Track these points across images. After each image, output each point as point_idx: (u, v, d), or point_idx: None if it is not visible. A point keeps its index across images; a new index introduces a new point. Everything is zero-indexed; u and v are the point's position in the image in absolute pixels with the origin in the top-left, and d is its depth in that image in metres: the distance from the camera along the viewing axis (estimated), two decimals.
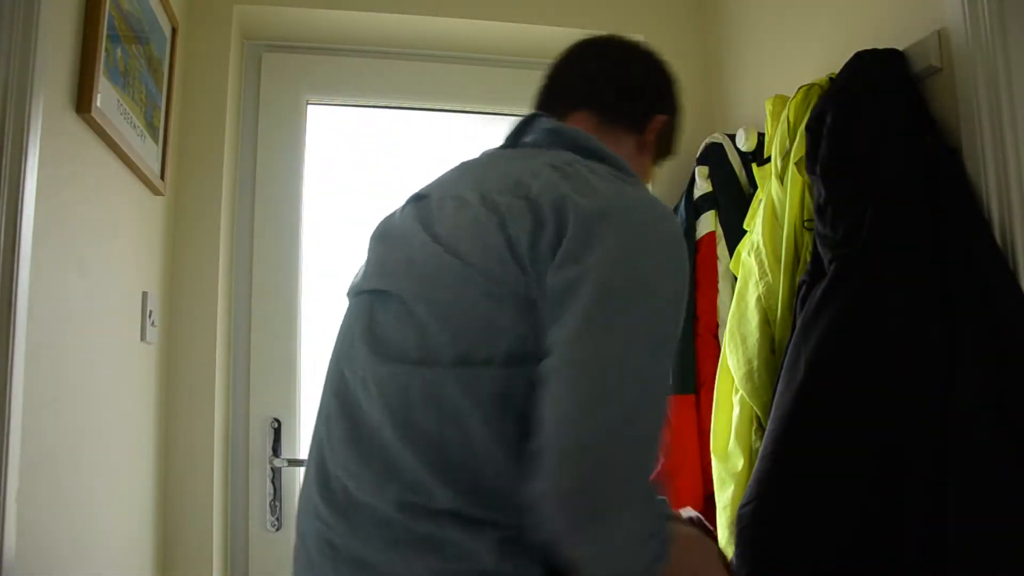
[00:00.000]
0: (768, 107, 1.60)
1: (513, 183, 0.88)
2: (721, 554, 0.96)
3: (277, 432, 2.09)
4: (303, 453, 2.07)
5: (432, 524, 0.80)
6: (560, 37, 2.32)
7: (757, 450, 1.44)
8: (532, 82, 2.51)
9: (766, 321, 1.49)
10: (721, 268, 1.76)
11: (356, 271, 1.06)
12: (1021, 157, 1.20)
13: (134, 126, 1.61)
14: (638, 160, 1.10)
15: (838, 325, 1.24)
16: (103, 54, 1.40)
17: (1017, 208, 1.19)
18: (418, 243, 0.90)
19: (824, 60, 1.55)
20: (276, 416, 2.10)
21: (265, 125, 2.22)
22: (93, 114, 1.36)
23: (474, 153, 1.07)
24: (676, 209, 1.93)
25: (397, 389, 0.85)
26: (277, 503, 2.05)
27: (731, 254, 1.72)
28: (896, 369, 1.17)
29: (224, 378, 2.04)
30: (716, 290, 1.77)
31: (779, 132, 1.52)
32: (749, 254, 1.56)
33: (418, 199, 1.00)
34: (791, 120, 1.50)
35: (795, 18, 1.84)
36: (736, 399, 1.52)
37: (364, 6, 2.15)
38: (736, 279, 1.63)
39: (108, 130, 1.44)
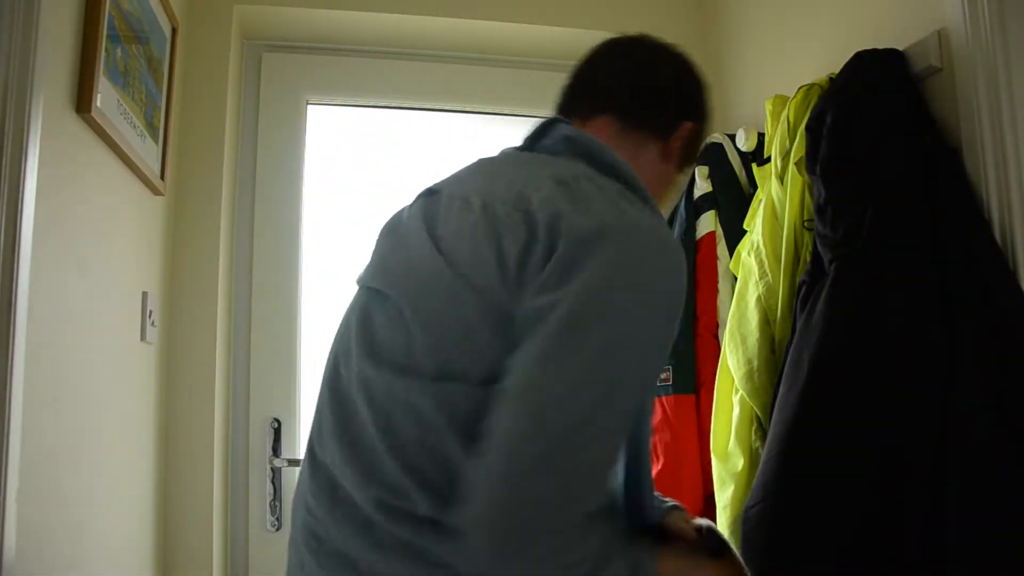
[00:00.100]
0: (768, 107, 1.60)
1: (516, 194, 0.85)
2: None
3: (277, 432, 2.09)
4: (303, 453, 2.07)
5: (412, 530, 0.80)
6: (560, 37, 2.33)
7: (757, 450, 1.44)
8: (532, 82, 2.51)
9: (766, 321, 1.49)
10: (721, 268, 1.76)
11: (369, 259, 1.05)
12: (1021, 157, 1.20)
13: (134, 126, 1.61)
14: (660, 168, 1.05)
15: (839, 325, 1.24)
16: (103, 54, 1.40)
17: (1017, 208, 1.19)
18: (418, 244, 0.89)
19: (824, 60, 1.55)
20: (276, 416, 2.10)
21: (265, 125, 2.22)
22: (93, 114, 1.36)
23: (480, 152, 1.04)
24: (676, 209, 1.93)
25: (382, 393, 0.85)
26: (277, 503, 2.05)
27: (731, 254, 1.72)
28: (896, 369, 1.17)
29: (224, 378, 2.04)
30: (716, 290, 1.77)
31: (779, 132, 1.52)
32: (749, 254, 1.56)
33: (430, 194, 0.97)
34: (791, 120, 1.50)
35: (795, 18, 1.84)
36: (736, 399, 1.52)
37: (364, 6, 2.15)
38: (736, 279, 1.63)
39: (108, 130, 1.44)
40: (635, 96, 1.05)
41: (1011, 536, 1.07)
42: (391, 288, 0.89)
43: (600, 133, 1.01)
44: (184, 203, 1.99)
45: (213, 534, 1.90)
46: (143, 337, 1.73)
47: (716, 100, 2.14)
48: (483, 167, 0.99)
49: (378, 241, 1.01)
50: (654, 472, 1.51)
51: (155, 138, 1.76)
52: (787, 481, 1.23)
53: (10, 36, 1.11)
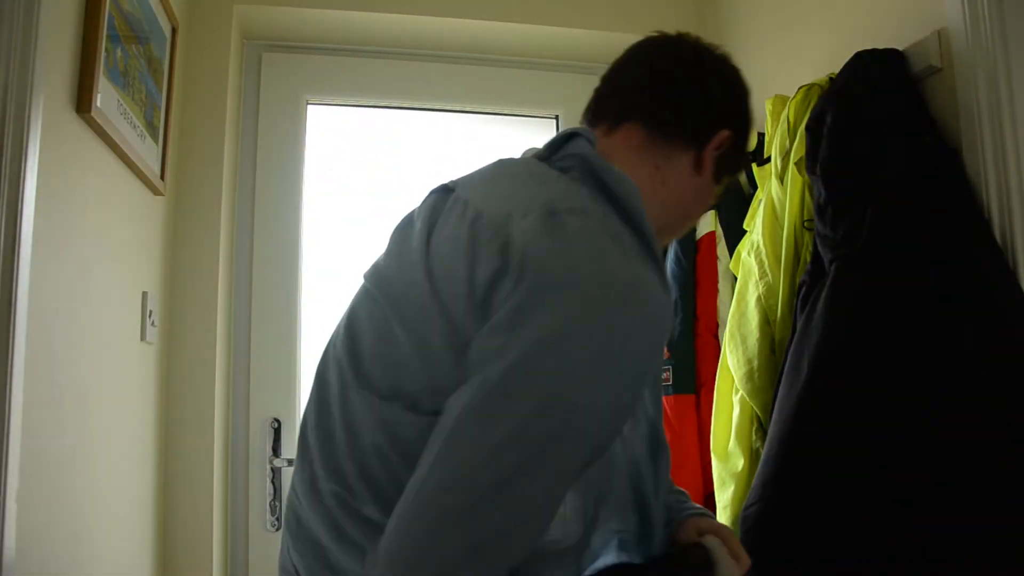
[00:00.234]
0: (768, 107, 1.60)
1: (503, 215, 0.79)
2: None
3: (277, 432, 2.09)
4: None
5: (361, 533, 0.80)
6: (560, 37, 2.33)
7: (757, 450, 1.44)
8: (532, 82, 2.51)
9: (766, 321, 1.49)
10: (721, 268, 1.76)
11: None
12: (1021, 157, 1.20)
13: (134, 126, 1.61)
14: (692, 181, 0.96)
15: (839, 325, 1.24)
16: (103, 54, 1.40)
17: (1017, 208, 1.19)
18: (414, 245, 0.86)
19: (824, 60, 1.55)
20: (276, 416, 2.10)
21: (265, 125, 2.22)
22: (93, 114, 1.36)
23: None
24: None
25: (351, 392, 0.84)
26: (277, 503, 2.05)
27: (731, 254, 1.72)
28: (896, 369, 1.17)
29: (224, 378, 2.04)
30: (716, 290, 1.77)
31: (779, 132, 1.52)
32: (749, 254, 1.56)
33: (444, 191, 0.92)
34: (791, 120, 1.50)
35: (795, 18, 1.84)
36: (736, 399, 1.52)
37: (364, 6, 2.15)
38: (736, 279, 1.63)
39: (108, 130, 1.44)
40: (664, 102, 0.96)
41: (1011, 536, 1.07)
42: (377, 287, 0.88)
43: (626, 143, 0.95)
44: (184, 203, 1.99)
45: (213, 534, 1.90)
46: (143, 337, 1.73)
47: None
48: (496, 172, 0.93)
49: (390, 236, 0.98)
50: None
51: (155, 138, 1.76)
52: (786, 481, 1.23)
53: (10, 36, 1.11)
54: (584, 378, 0.70)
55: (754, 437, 1.48)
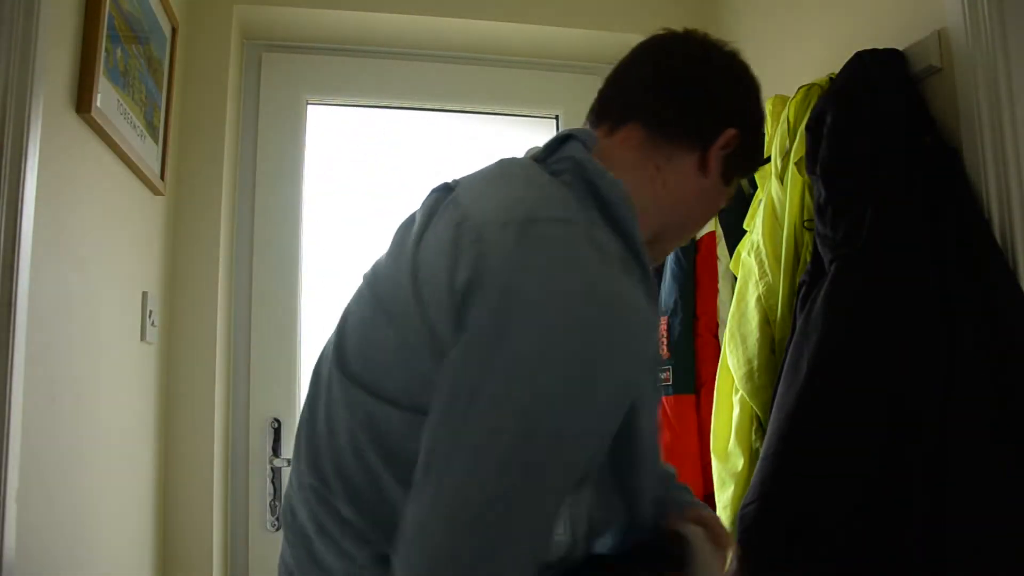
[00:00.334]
0: (768, 107, 1.60)
1: (486, 222, 0.76)
2: None
3: (277, 432, 2.09)
4: None
5: (339, 528, 0.80)
6: (560, 37, 2.33)
7: (757, 450, 1.44)
8: (532, 82, 2.51)
9: (766, 321, 1.49)
10: (721, 268, 1.76)
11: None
12: (1021, 157, 1.20)
13: (134, 126, 1.61)
14: (697, 183, 0.93)
15: (838, 325, 1.24)
16: (103, 54, 1.40)
17: (1017, 208, 1.19)
18: (407, 246, 0.84)
19: (824, 60, 1.55)
20: (276, 416, 2.10)
21: (265, 125, 2.22)
22: (93, 114, 1.36)
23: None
24: None
25: (335, 386, 0.84)
26: (277, 503, 2.05)
27: (731, 254, 1.72)
28: (896, 369, 1.17)
29: (224, 378, 2.04)
30: (716, 290, 1.77)
31: (779, 132, 1.52)
32: (749, 254, 1.56)
33: (445, 190, 0.90)
34: (791, 120, 1.50)
35: (795, 18, 1.84)
36: (736, 399, 1.52)
37: (364, 6, 2.15)
38: (736, 279, 1.63)
39: (108, 130, 1.44)
40: (667, 102, 0.93)
41: (1011, 536, 1.07)
42: (369, 285, 0.88)
43: (625, 144, 0.92)
44: (184, 203, 1.99)
45: (213, 534, 1.90)
46: (143, 337, 1.73)
47: None
48: (493, 173, 0.91)
49: (393, 234, 0.97)
50: None
51: (155, 138, 1.76)
52: (784, 480, 1.23)
53: (10, 36, 1.11)
54: (561, 404, 0.68)
55: (754, 437, 1.48)
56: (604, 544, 0.88)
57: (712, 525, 0.93)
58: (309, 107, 2.27)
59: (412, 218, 0.91)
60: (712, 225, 1.81)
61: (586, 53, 2.29)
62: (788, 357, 1.32)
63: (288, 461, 2.06)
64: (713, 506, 1.55)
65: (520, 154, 0.99)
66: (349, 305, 0.90)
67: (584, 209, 0.80)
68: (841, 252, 1.27)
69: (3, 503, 1.04)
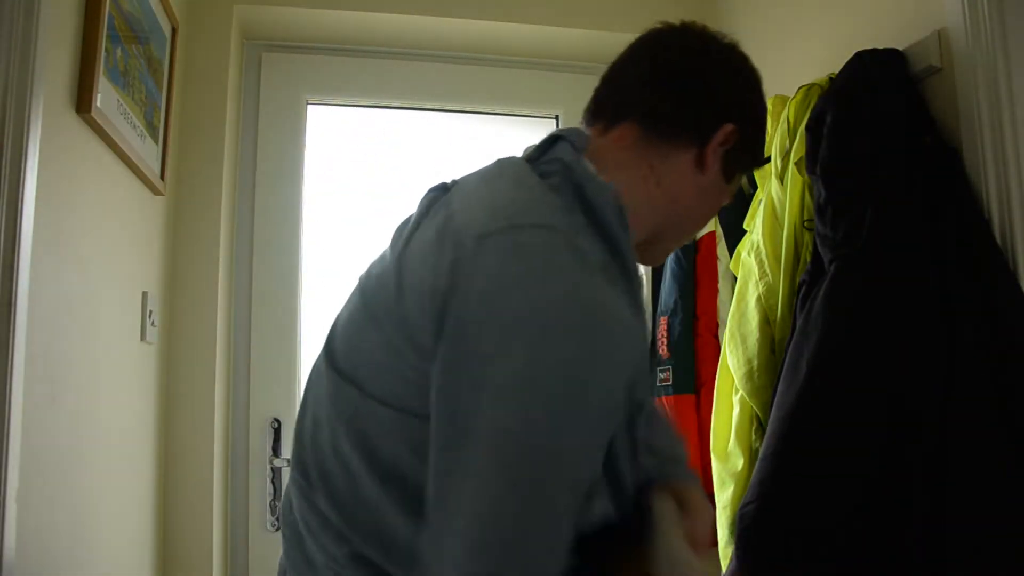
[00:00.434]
0: (768, 107, 1.60)
1: (468, 228, 0.75)
2: None
3: (277, 432, 2.09)
4: None
5: (319, 524, 0.81)
6: (560, 37, 2.33)
7: (757, 450, 1.44)
8: (532, 82, 2.51)
9: (766, 321, 1.49)
10: (721, 268, 1.76)
11: None
12: (1021, 157, 1.20)
13: (134, 126, 1.61)
14: (695, 181, 0.91)
15: (838, 325, 1.24)
16: (103, 54, 1.40)
17: (1017, 208, 1.19)
18: (398, 247, 0.84)
19: (824, 60, 1.55)
20: (276, 416, 2.10)
21: (265, 125, 2.22)
22: (93, 114, 1.36)
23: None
24: None
25: (323, 382, 0.85)
26: (277, 503, 2.05)
27: (731, 254, 1.72)
28: (896, 369, 1.17)
29: (224, 378, 2.04)
30: (716, 290, 1.77)
31: (779, 132, 1.52)
32: (749, 254, 1.56)
33: (442, 190, 0.90)
34: (791, 120, 1.50)
35: (795, 18, 1.84)
36: (736, 399, 1.53)
37: (364, 6, 2.15)
38: (736, 279, 1.63)
39: (108, 130, 1.44)
40: (662, 98, 0.90)
41: (1011, 536, 1.07)
42: (360, 285, 0.88)
43: (619, 143, 0.90)
44: (184, 203, 1.99)
45: (213, 534, 1.90)
46: (143, 337, 1.73)
47: None
48: (488, 173, 0.89)
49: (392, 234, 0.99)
50: None
51: (155, 138, 1.76)
52: (784, 479, 1.23)
53: (10, 36, 1.11)
54: (552, 423, 0.68)
55: (753, 437, 1.48)
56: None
57: (687, 500, 0.88)
58: (309, 107, 2.27)
59: (409, 219, 0.91)
60: (712, 225, 1.81)
61: (586, 53, 2.29)
62: (788, 357, 1.32)
63: (288, 461, 2.06)
64: (713, 506, 1.55)
65: (519, 154, 0.99)
66: (344, 304, 0.91)
67: (569, 214, 0.78)
68: (841, 252, 1.27)
69: (3, 503, 1.04)
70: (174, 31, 1.86)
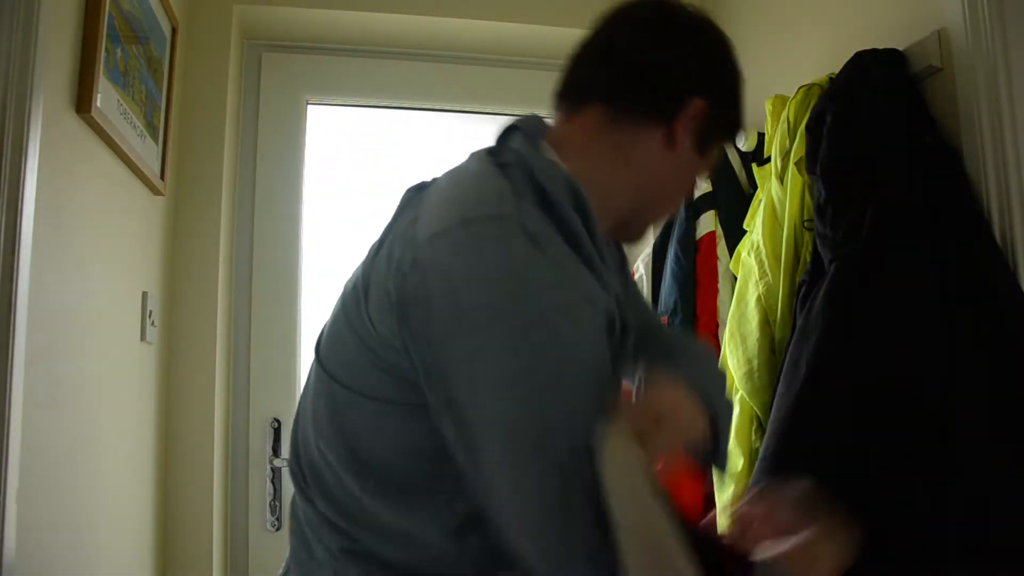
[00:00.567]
0: (768, 107, 1.60)
1: (427, 227, 0.76)
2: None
3: (277, 432, 2.09)
4: None
5: (315, 518, 0.83)
6: (561, 37, 2.32)
7: (757, 450, 1.44)
8: (532, 82, 2.51)
9: (766, 321, 1.49)
10: (721, 268, 1.76)
11: None
12: (1021, 157, 1.20)
13: (134, 126, 1.61)
14: (664, 159, 0.89)
15: (838, 325, 1.24)
16: (103, 54, 1.40)
17: (1017, 208, 1.19)
18: (374, 248, 0.86)
19: (824, 60, 1.55)
20: (276, 416, 2.10)
21: (265, 125, 2.22)
22: (93, 114, 1.36)
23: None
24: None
25: (312, 381, 0.88)
26: (277, 503, 2.05)
27: (731, 254, 1.72)
28: (896, 369, 1.17)
29: (224, 378, 2.04)
30: (716, 290, 1.77)
31: (779, 132, 1.52)
32: (749, 254, 1.56)
33: (419, 189, 0.90)
34: (791, 120, 1.50)
35: (795, 18, 1.84)
36: (736, 399, 1.52)
37: (364, 6, 2.15)
38: (736, 279, 1.63)
39: (108, 130, 1.44)
40: (624, 76, 0.88)
41: (1011, 536, 1.07)
42: (346, 284, 0.89)
43: (583, 127, 0.89)
44: (184, 203, 1.99)
45: (213, 534, 1.90)
46: (143, 337, 1.73)
47: None
48: (457, 169, 0.89)
49: None
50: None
51: (155, 138, 1.76)
52: (783, 480, 1.22)
53: (10, 36, 1.11)
54: (546, 404, 0.69)
55: (754, 437, 1.48)
56: None
57: (651, 409, 0.77)
58: (309, 107, 2.27)
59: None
60: (712, 225, 1.81)
61: None
62: (788, 357, 1.32)
63: (288, 461, 2.06)
64: (714, 506, 1.55)
65: None
66: (342, 292, 0.93)
67: (520, 199, 0.77)
68: (841, 252, 1.27)
69: (3, 503, 1.04)
70: (174, 31, 1.86)
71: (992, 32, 1.22)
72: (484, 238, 0.72)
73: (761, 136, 1.72)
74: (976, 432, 1.11)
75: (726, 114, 0.93)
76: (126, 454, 1.65)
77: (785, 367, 1.31)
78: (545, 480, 0.69)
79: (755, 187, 1.70)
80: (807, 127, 1.40)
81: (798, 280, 1.40)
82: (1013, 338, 1.13)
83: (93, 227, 1.46)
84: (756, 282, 1.51)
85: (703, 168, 0.94)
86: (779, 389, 1.31)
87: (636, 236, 0.97)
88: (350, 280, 0.87)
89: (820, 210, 1.33)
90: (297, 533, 0.88)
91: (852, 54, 1.37)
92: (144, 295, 1.74)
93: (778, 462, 1.24)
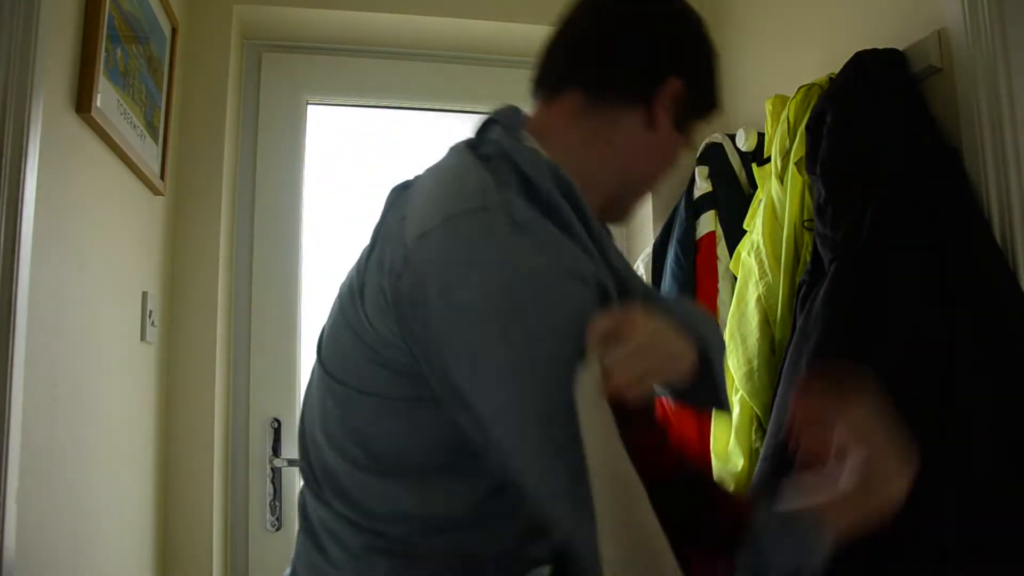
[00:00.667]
0: (768, 107, 1.60)
1: (415, 226, 0.77)
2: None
3: (277, 432, 2.09)
4: None
5: (332, 520, 0.84)
6: None
7: (757, 450, 1.44)
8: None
9: (766, 321, 1.49)
10: (721, 268, 1.76)
11: None
12: (1021, 157, 1.20)
13: (134, 126, 1.61)
14: (645, 139, 0.89)
15: (838, 325, 1.24)
16: (103, 54, 1.40)
17: (1017, 208, 1.19)
18: (366, 248, 0.88)
19: (824, 60, 1.55)
20: (276, 416, 2.10)
21: (265, 125, 2.22)
22: (93, 114, 1.36)
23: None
24: (676, 209, 1.93)
25: (314, 379, 0.90)
26: (277, 503, 2.05)
27: (731, 254, 1.72)
28: (896, 369, 1.17)
29: (224, 378, 2.04)
30: (716, 290, 1.77)
31: (779, 132, 1.52)
32: (749, 254, 1.56)
33: (403, 188, 0.92)
34: (791, 120, 1.50)
35: (795, 18, 1.84)
36: (736, 399, 1.52)
37: (364, 6, 2.15)
38: (736, 279, 1.63)
39: (108, 130, 1.44)
40: (600, 62, 0.89)
41: (1011, 536, 1.07)
42: (342, 283, 0.91)
43: (561, 113, 0.89)
44: (184, 203, 1.99)
45: (213, 534, 1.90)
46: (143, 337, 1.73)
47: None
48: (436, 168, 0.91)
49: None
50: None
51: (155, 138, 1.76)
52: (783, 480, 1.22)
53: (10, 36, 1.11)
54: (545, 383, 0.70)
55: (754, 437, 1.48)
56: None
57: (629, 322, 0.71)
58: (309, 107, 2.27)
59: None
60: (712, 225, 1.81)
61: None
62: (788, 357, 1.32)
63: (288, 461, 2.07)
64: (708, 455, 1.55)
65: None
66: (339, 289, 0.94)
67: (504, 189, 0.77)
68: (841, 252, 1.27)
69: (3, 503, 1.04)
70: (174, 31, 1.86)
71: (992, 32, 1.23)
72: (471, 233, 0.73)
73: (761, 136, 1.72)
74: (976, 432, 1.11)
75: (703, 92, 0.93)
76: (126, 454, 1.65)
77: (786, 367, 1.31)
78: (560, 458, 0.69)
79: (755, 187, 1.70)
80: (807, 127, 1.40)
81: (798, 280, 1.40)
82: (1013, 338, 1.13)
83: (93, 227, 1.46)
84: (756, 282, 1.51)
85: (683, 145, 0.95)
86: (779, 390, 1.31)
87: (621, 216, 0.97)
88: (345, 282, 0.88)
89: (820, 210, 1.33)
90: (309, 535, 0.88)
91: (852, 54, 1.37)
92: (144, 295, 1.74)
93: (779, 462, 1.24)
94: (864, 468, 0.78)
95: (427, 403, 0.76)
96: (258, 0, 2.10)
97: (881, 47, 1.37)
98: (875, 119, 1.29)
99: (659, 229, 1.98)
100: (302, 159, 2.23)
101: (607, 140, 0.89)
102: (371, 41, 2.29)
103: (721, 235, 1.78)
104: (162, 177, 1.80)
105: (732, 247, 1.72)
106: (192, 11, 2.03)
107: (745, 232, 1.66)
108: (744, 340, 1.51)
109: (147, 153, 1.70)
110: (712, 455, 1.58)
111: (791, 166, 1.47)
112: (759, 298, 1.50)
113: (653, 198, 2.13)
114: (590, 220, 0.82)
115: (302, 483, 0.92)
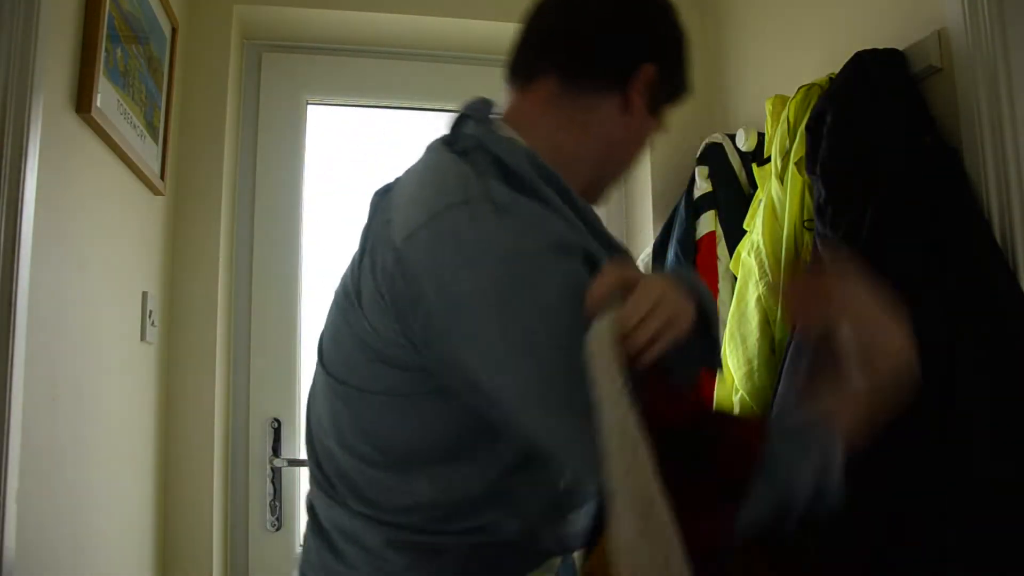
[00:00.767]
0: (768, 107, 1.60)
1: (401, 227, 0.78)
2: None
3: (277, 432, 2.09)
4: (303, 453, 2.07)
5: (350, 520, 0.85)
6: None
7: None
8: None
9: (766, 321, 1.49)
10: (721, 268, 1.76)
11: None
12: (1021, 157, 1.20)
13: (134, 126, 1.61)
14: (622, 123, 0.90)
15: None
16: (103, 54, 1.40)
17: (1017, 208, 1.19)
18: (357, 252, 0.89)
19: (824, 60, 1.55)
20: (276, 416, 2.10)
21: (265, 125, 2.22)
22: (93, 114, 1.36)
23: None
24: (676, 209, 1.93)
25: (318, 379, 0.91)
26: (277, 503, 2.05)
27: (731, 254, 1.72)
28: None
29: (224, 378, 2.04)
30: (716, 290, 1.77)
31: (779, 132, 1.52)
32: (749, 254, 1.56)
33: (385, 191, 0.92)
34: (791, 120, 1.50)
35: (795, 18, 1.84)
36: (736, 399, 1.53)
37: (364, 6, 2.15)
38: (736, 279, 1.63)
39: (108, 130, 1.44)
40: (575, 48, 0.90)
41: (1011, 537, 1.07)
42: (338, 285, 0.92)
43: (536, 100, 0.90)
44: (184, 203, 1.99)
45: (213, 534, 1.90)
46: (143, 337, 1.73)
47: (716, 100, 2.15)
48: (415, 168, 0.91)
49: None
50: None
51: (155, 138, 1.76)
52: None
53: (10, 36, 1.11)
54: (548, 361, 0.72)
55: None
56: None
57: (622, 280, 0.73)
58: (309, 107, 2.27)
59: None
60: (712, 225, 1.81)
61: None
62: (788, 357, 1.32)
63: (288, 461, 2.07)
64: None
65: None
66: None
67: (483, 179, 0.78)
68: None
69: (3, 503, 1.04)
70: (174, 31, 1.86)
71: (992, 32, 1.23)
72: (456, 227, 0.74)
73: (761, 136, 1.72)
74: (976, 432, 1.11)
75: (675, 76, 0.95)
76: (126, 454, 1.65)
77: (785, 367, 1.31)
78: (575, 425, 0.70)
79: (755, 187, 1.70)
80: (807, 127, 1.40)
81: None
82: (1013, 338, 1.13)
83: (93, 227, 1.46)
84: (756, 282, 1.51)
85: (656, 128, 0.96)
86: (779, 390, 1.31)
87: (598, 199, 0.98)
88: (339, 288, 0.90)
89: (820, 210, 1.33)
90: (319, 537, 0.88)
91: (852, 54, 1.37)
92: (144, 295, 1.74)
93: None
94: (861, 340, 0.78)
95: (432, 395, 0.78)
96: (258, 0, 2.10)
97: (881, 47, 1.37)
98: (875, 119, 1.29)
99: (659, 229, 1.98)
100: (302, 159, 2.23)
101: (583, 126, 0.90)
102: (371, 41, 2.29)
103: (721, 235, 1.78)
104: (162, 177, 1.80)
105: (732, 247, 1.72)
106: (192, 11, 2.04)
107: (745, 232, 1.66)
108: (744, 340, 1.51)
109: (147, 153, 1.70)
110: None
111: (791, 166, 1.47)
112: (759, 298, 1.50)
113: (653, 198, 2.13)
114: (576, 200, 0.83)
115: (310, 487, 0.93)
